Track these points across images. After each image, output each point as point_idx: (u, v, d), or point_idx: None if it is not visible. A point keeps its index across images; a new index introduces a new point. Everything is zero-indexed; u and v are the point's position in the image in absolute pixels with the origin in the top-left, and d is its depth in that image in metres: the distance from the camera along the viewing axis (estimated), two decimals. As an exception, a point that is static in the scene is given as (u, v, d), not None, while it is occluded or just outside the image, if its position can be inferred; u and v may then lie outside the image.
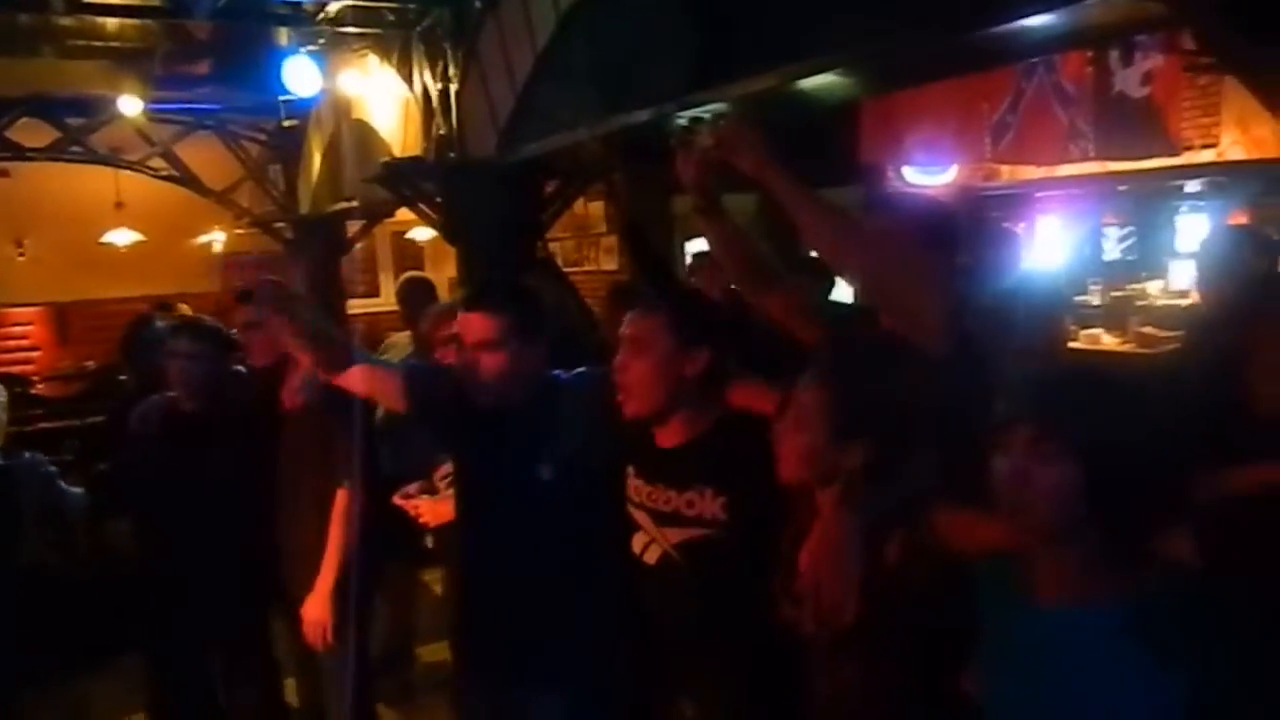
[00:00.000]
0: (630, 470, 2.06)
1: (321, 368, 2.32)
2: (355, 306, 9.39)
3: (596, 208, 8.20)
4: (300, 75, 5.43)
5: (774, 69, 3.06)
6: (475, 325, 2.10)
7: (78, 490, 3.37)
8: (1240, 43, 1.66)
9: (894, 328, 2.12)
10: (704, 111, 3.24)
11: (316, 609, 2.79)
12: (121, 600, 3.30)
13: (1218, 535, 1.29)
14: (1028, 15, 2.23)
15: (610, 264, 8.10)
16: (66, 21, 6.11)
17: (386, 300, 9.38)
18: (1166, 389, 2.13)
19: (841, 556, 1.58)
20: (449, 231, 5.38)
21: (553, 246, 8.65)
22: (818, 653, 1.65)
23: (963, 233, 2.48)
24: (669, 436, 2.02)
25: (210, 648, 3.17)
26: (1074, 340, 6.49)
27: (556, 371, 2.24)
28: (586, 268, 8.35)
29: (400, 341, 4.64)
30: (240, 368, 3.26)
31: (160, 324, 4.05)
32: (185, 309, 5.75)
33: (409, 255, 10.40)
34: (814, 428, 1.61)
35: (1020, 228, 7.51)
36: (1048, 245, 7.54)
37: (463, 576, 2.47)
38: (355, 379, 2.30)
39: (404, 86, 5.68)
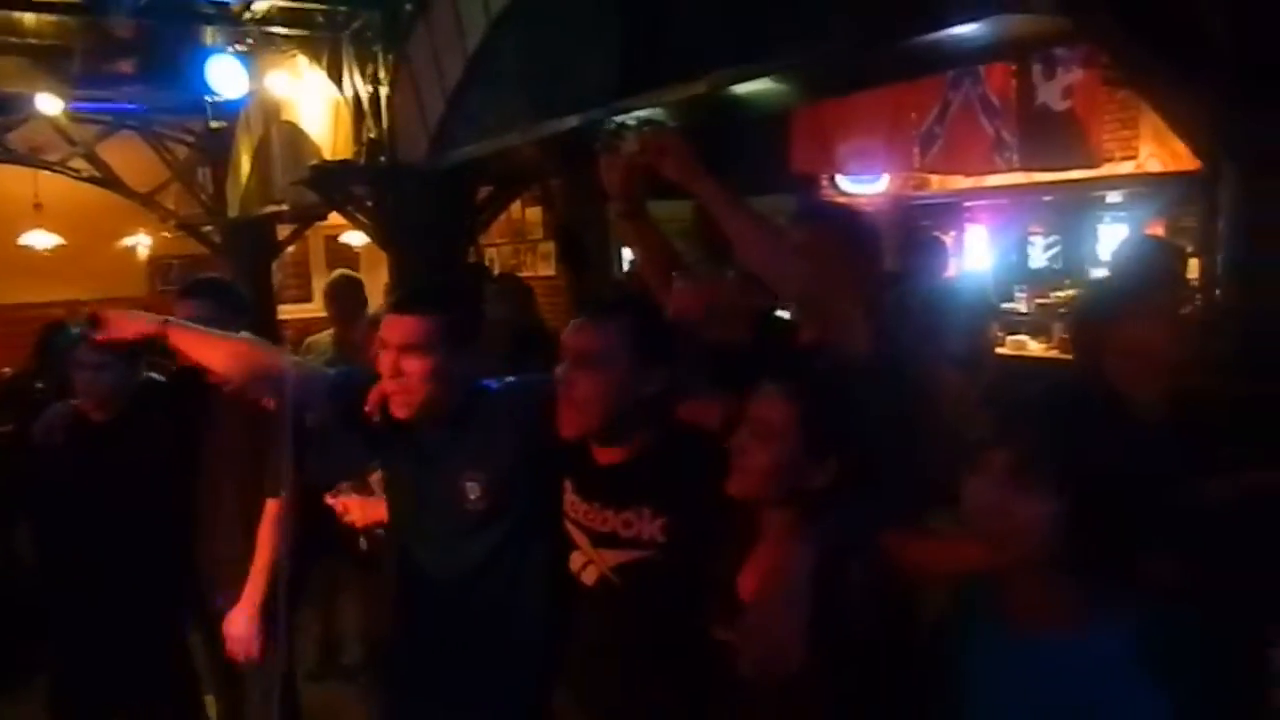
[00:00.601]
0: (568, 485, 1.96)
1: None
2: (287, 312, 9.22)
3: (534, 213, 8.18)
4: (225, 76, 5.32)
5: (704, 75, 3.08)
6: (403, 327, 1.98)
7: None
8: (1142, 58, 1.71)
9: (817, 337, 2.14)
10: (630, 118, 3.24)
11: (241, 623, 2.72)
12: (28, 616, 3.18)
13: (1200, 551, 1.29)
14: (953, 25, 2.28)
15: (547, 270, 8.08)
16: (-20, 18, 5.91)
17: (319, 305, 9.19)
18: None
19: (793, 597, 1.48)
20: (380, 236, 5.31)
21: (490, 252, 8.62)
22: (762, 689, 1.54)
23: (882, 241, 2.52)
24: (609, 453, 1.90)
25: (120, 666, 3.07)
26: (1001, 346, 6.64)
27: (487, 380, 2.13)
28: (524, 273, 8.31)
29: (322, 342, 4.52)
30: (156, 375, 3.17)
31: (75, 329, 3.92)
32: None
33: (342, 259, 10.22)
34: (782, 444, 1.51)
35: (950, 236, 7.67)
36: (976, 253, 7.71)
37: (391, 588, 2.37)
38: (288, 385, 2.15)
39: (334, 89, 5.59)
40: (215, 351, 2.18)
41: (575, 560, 1.93)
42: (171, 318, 2.23)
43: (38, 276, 8.32)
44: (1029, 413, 1.33)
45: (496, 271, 8.44)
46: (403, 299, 2.11)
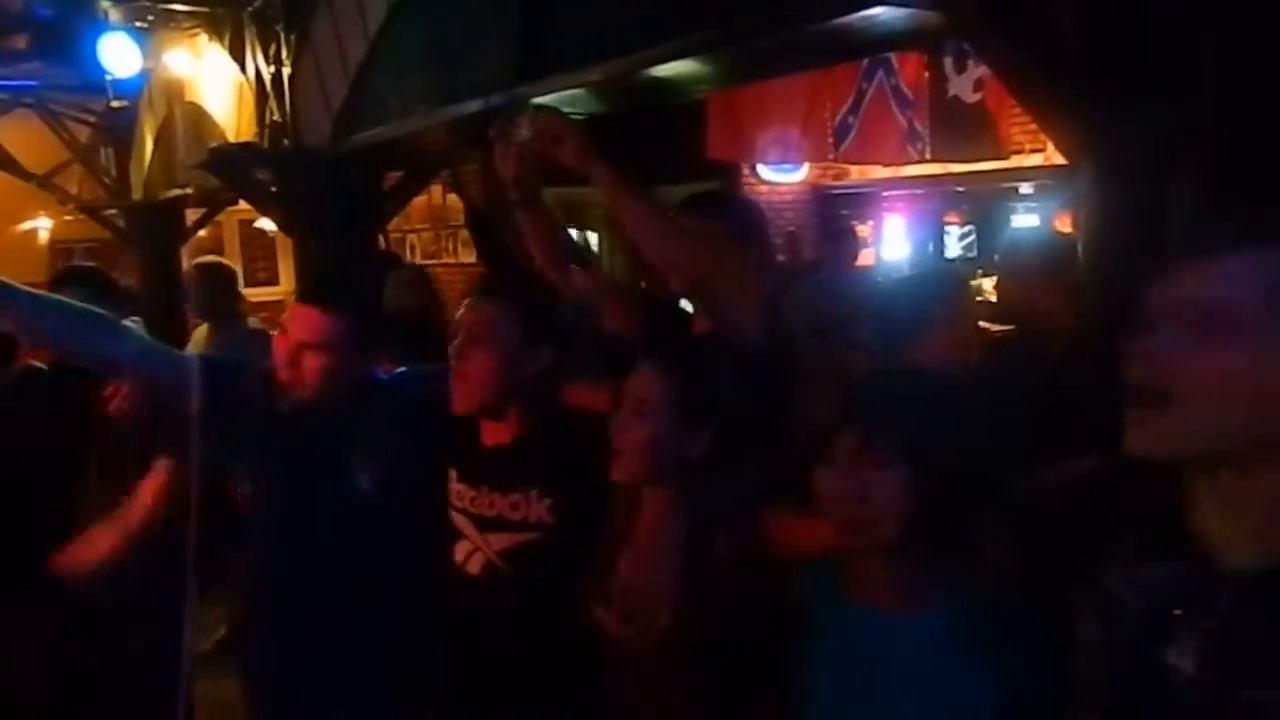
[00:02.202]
0: (452, 474, 1.96)
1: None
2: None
3: (455, 199, 8.05)
4: (118, 53, 5.10)
5: (610, 59, 3.03)
6: (308, 321, 1.94)
7: None
8: (1005, 55, 1.71)
9: (711, 327, 2.14)
10: (527, 103, 3.19)
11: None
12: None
13: (1028, 533, 1.31)
14: (842, 15, 2.28)
15: (469, 256, 7.95)
16: None
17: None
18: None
19: (661, 555, 1.54)
20: (284, 222, 5.17)
21: (411, 238, 8.48)
22: (632, 659, 1.58)
23: (770, 230, 2.52)
24: (495, 434, 1.93)
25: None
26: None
27: (378, 373, 2.12)
28: (445, 260, 8.19)
29: (198, 338, 4.26)
30: (39, 364, 3.05)
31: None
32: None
33: (258, 245, 9.99)
34: (657, 416, 1.55)
35: (868, 226, 7.76)
36: (894, 242, 7.83)
37: (259, 595, 2.23)
38: (124, 363, 2.04)
39: (236, 69, 5.41)
40: (30, 320, 1.98)
41: (460, 551, 1.92)
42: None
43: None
44: (872, 391, 1.34)
45: (417, 257, 8.31)
46: (309, 289, 2.08)
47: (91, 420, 2.74)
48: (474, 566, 1.90)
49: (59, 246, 8.80)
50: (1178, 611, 0.95)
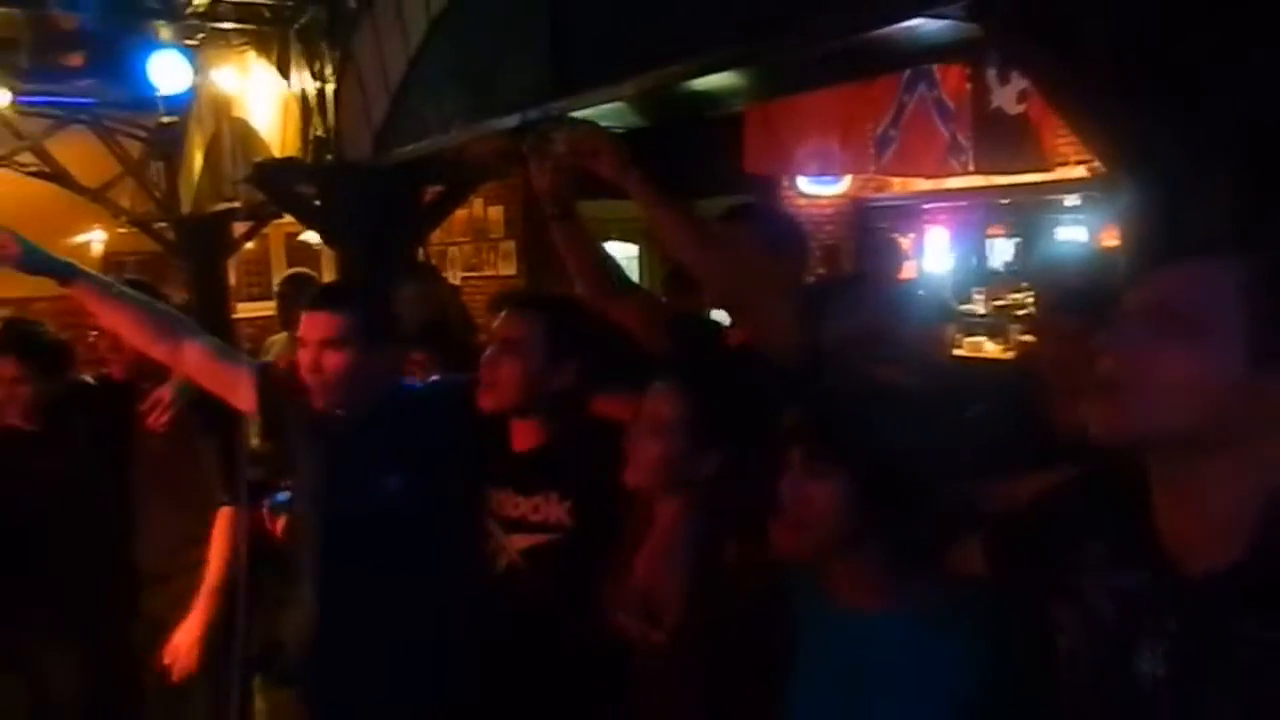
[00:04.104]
0: (484, 477, 2.05)
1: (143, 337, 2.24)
2: (245, 310, 9.11)
3: (496, 212, 8.12)
4: (169, 70, 5.22)
5: (647, 72, 3.04)
6: (318, 323, 2.05)
7: None
8: (1040, 66, 1.69)
9: (745, 341, 2.13)
10: (565, 118, 3.20)
11: (188, 635, 2.70)
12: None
13: (1001, 545, 1.31)
14: (881, 26, 2.26)
15: (509, 269, 8.01)
16: (-80, 8, 5.78)
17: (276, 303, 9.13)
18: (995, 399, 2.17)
19: (674, 558, 1.59)
20: (327, 234, 5.24)
21: (452, 251, 8.55)
22: (650, 662, 1.64)
23: (808, 242, 2.51)
24: (522, 439, 2.03)
25: (51, 667, 3.01)
26: (959, 347, 6.66)
27: (410, 381, 2.23)
28: (485, 272, 8.25)
29: (280, 342, 4.47)
30: (88, 378, 3.13)
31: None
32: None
33: (302, 258, 10.12)
34: (669, 436, 1.61)
35: (909, 239, 7.69)
36: (936, 255, 7.74)
37: (305, 589, 2.37)
38: (188, 360, 2.23)
39: (283, 85, 5.51)
40: (116, 311, 2.25)
41: (487, 550, 2.02)
42: (80, 266, 2.28)
43: (-11, 273, 8.15)
44: (819, 405, 1.39)
45: (458, 269, 8.38)
46: (317, 296, 2.20)
47: (136, 433, 2.81)
48: (498, 565, 1.99)
49: (112, 259, 8.99)
50: (1146, 617, 0.99)
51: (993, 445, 1.84)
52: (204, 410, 2.64)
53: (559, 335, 2.00)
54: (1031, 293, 6.75)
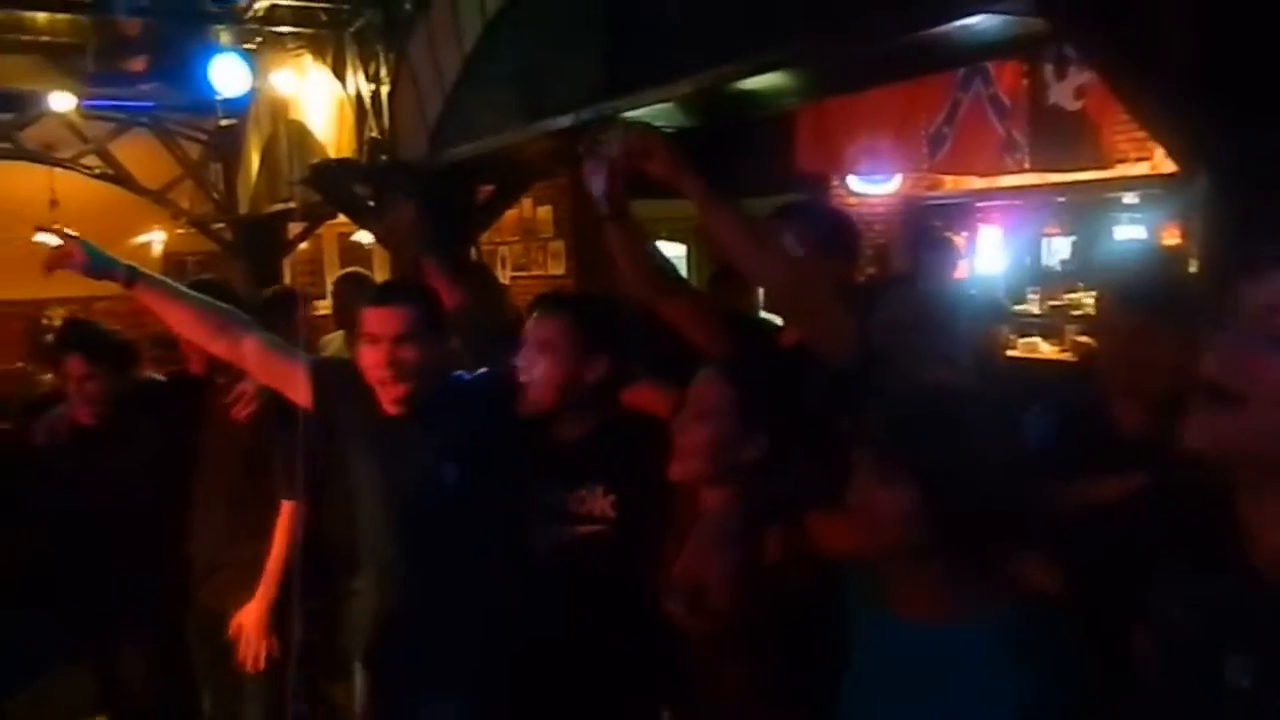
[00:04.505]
0: (530, 466, 2.10)
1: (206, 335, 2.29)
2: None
3: (545, 211, 8.15)
4: (228, 74, 5.32)
5: (701, 72, 3.04)
6: (389, 318, 2.09)
7: None
8: (1111, 61, 1.65)
9: (799, 340, 2.12)
10: (618, 118, 3.21)
11: (252, 625, 2.74)
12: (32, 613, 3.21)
13: (1074, 556, 1.28)
14: (942, 24, 2.23)
15: (558, 268, 8.04)
16: (-9, 15, 5.96)
17: (330, 302, 9.26)
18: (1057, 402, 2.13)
19: (719, 548, 1.60)
20: (380, 234, 5.31)
21: (501, 250, 8.61)
22: (698, 650, 1.66)
23: (861, 241, 2.49)
24: (565, 432, 2.07)
25: (113, 660, 3.09)
26: (1013, 348, 6.55)
27: (459, 373, 2.24)
28: (534, 272, 8.28)
29: (335, 342, 4.52)
30: (157, 375, 3.20)
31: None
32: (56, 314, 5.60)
33: (355, 257, 10.26)
34: (717, 420, 1.64)
35: (962, 237, 7.57)
36: (989, 254, 7.62)
37: (372, 583, 2.41)
38: (247, 354, 2.27)
39: (338, 87, 5.60)
40: (176, 310, 2.30)
41: (530, 539, 2.07)
42: (141, 269, 2.33)
43: (55, 273, 8.37)
44: (892, 408, 1.37)
45: (508, 269, 8.44)
46: (385, 292, 2.25)
47: (206, 427, 2.87)
48: (542, 555, 2.04)
49: (172, 258, 9.20)
50: (1233, 628, 0.95)
51: (1054, 449, 1.82)
52: (278, 406, 2.68)
53: (588, 331, 2.05)
54: (1089, 292, 6.64)
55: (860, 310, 2.00)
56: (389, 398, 2.09)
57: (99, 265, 2.26)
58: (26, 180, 8.32)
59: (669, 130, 3.47)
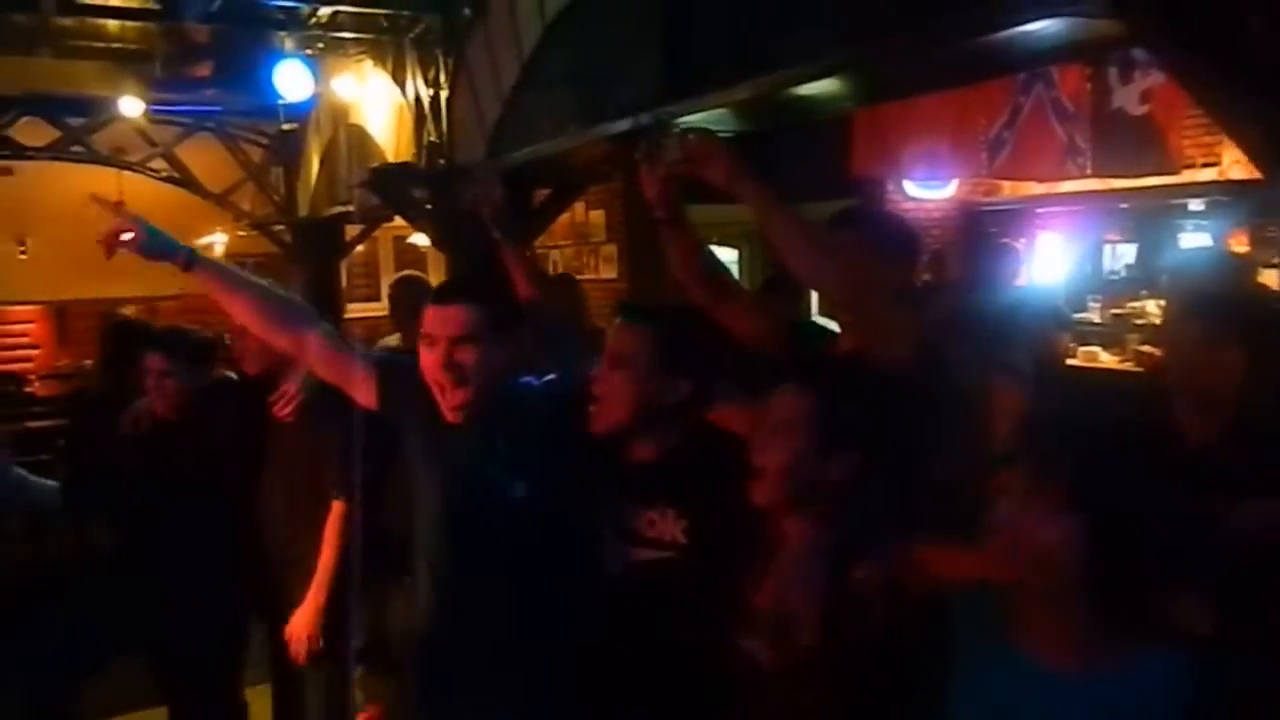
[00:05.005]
0: (599, 481, 2.02)
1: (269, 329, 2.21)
2: (355, 311, 9.39)
3: (598, 215, 8.18)
4: (292, 79, 5.43)
5: (757, 77, 3.02)
6: (450, 318, 1.97)
7: (50, 484, 3.39)
8: (1191, 63, 1.61)
9: (858, 347, 2.10)
10: (674, 123, 3.21)
11: (302, 625, 2.78)
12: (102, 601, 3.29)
13: (1230, 589, 1.22)
14: (1009, 27, 2.19)
15: (610, 272, 8.06)
16: (66, 22, 6.13)
17: (387, 304, 9.38)
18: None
19: (803, 579, 1.54)
20: (437, 237, 5.37)
21: (554, 254, 8.66)
22: (777, 686, 1.58)
23: (920, 248, 2.46)
24: (637, 452, 1.98)
25: (179, 647, 3.16)
26: (1072, 357, 6.42)
27: (527, 379, 2.15)
28: (586, 276, 8.31)
29: (391, 345, 4.58)
30: (229, 373, 3.27)
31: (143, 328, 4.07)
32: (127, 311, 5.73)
33: (410, 260, 10.39)
34: (796, 438, 1.56)
35: (1021, 243, 7.45)
36: (1048, 261, 7.48)
37: (421, 584, 2.35)
38: (308, 348, 2.18)
39: (398, 92, 5.68)
40: (235, 297, 2.18)
41: (599, 556, 1.99)
42: (199, 253, 2.25)
43: (121, 273, 8.57)
44: (1055, 432, 1.27)
45: (559, 272, 8.48)
46: (447, 290, 2.12)
47: (266, 426, 2.93)
48: (610, 574, 1.97)
49: (233, 260, 9.39)
50: None
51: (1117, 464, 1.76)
52: (326, 405, 2.69)
53: (670, 349, 1.93)
54: (1153, 300, 6.49)
55: (920, 317, 1.97)
56: (447, 404, 1.97)
57: (158, 246, 2.15)
58: (96, 183, 8.52)
59: (724, 135, 3.48)
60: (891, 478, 1.55)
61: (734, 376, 2.13)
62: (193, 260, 2.16)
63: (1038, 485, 1.19)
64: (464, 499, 2.07)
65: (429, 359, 1.99)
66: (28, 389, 7.75)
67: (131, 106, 7.01)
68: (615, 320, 2.01)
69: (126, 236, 2.12)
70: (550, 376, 2.16)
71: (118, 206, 2.20)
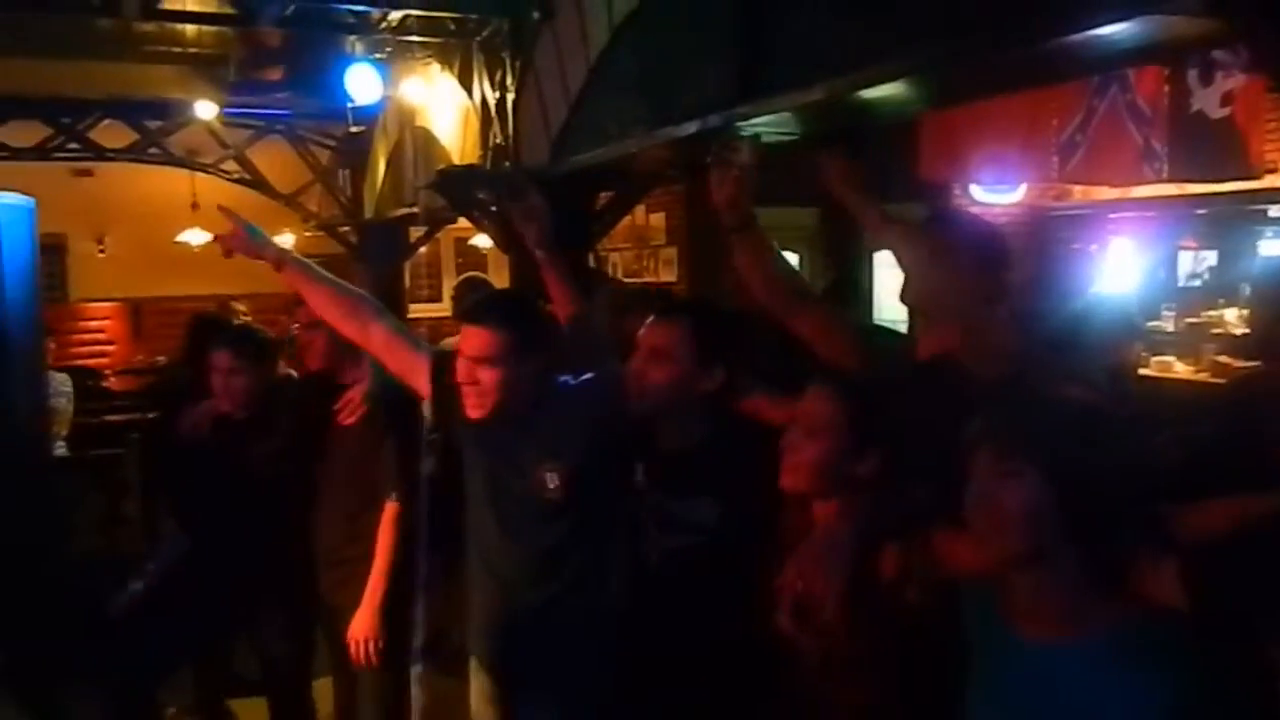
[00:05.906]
0: (636, 473, 2.10)
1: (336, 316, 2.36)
2: (417, 311, 9.53)
3: (657, 219, 8.19)
4: (362, 82, 5.51)
5: (826, 80, 2.99)
6: (474, 339, 2.09)
7: None
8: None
9: (940, 351, 2.06)
10: (745, 127, 3.19)
11: (363, 626, 2.81)
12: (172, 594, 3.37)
13: (1203, 573, 1.22)
14: (1095, 26, 2.14)
15: (669, 275, 8.07)
16: (147, 28, 6.32)
17: (449, 305, 9.50)
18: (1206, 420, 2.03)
19: (830, 563, 1.58)
20: (502, 240, 5.40)
21: (613, 257, 8.69)
22: (805, 668, 1.63)
23: (1012, 253, 2.41)
24: (673, 440, 2.06)
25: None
26: (1145, 367, 6.25)
27: (564, 377, 2.22)
28: (646, 279, 8.33)
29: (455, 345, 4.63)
30: (291, 371, 3.33)
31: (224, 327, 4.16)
32: (240, 308, 5.89)
33: (472, 261, 10.52)
34: (827, 436, 1.62)
35: (1092, 249, 7.28)
36: (1120, 268, 7.30)
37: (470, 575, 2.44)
38: (375, 339, 2.32)
39: (464, 95, 5.74)
40: (316, 290, 2.40)
41: (636, 544, 2.07)
42: (290, 252, 2.50)
43: (192, 271, 8.85)
44: (1009, 407, 1.35)
45: (619, 275, 8.50)
46: (473, 309, 2.22)
47: (328, 425, 2.97)
48: (650, 561, 2.04)
49: (300, 259, 9.59)
50: None
51: (1207, 474, 1.72)
52: (389, 411, 2.77)
53: (704, 341, 2.02)
54: (1231, 309, 6.30)
55: (1017, 323, 1.96)
56: (467, 406, 2.11)
57: (257, 244, 2.41)
58: (171, 184, 8.81)
59: (790, 138, 3.44)
60: (932, 475, 1.56)
61: (766, 372, 2.15)
62: (282, 258, 2.40)
63: (999, 455, 1.25)
64: (505, 492, 2.17)
65: (458, 368, 2.11)
66: (105, 383, 7.98)
67: (206, 110, 7.20)
68: (652, 318, 2.10)
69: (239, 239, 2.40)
70: (587, 376, 2.24)
71: (235, 215, 2.46)
